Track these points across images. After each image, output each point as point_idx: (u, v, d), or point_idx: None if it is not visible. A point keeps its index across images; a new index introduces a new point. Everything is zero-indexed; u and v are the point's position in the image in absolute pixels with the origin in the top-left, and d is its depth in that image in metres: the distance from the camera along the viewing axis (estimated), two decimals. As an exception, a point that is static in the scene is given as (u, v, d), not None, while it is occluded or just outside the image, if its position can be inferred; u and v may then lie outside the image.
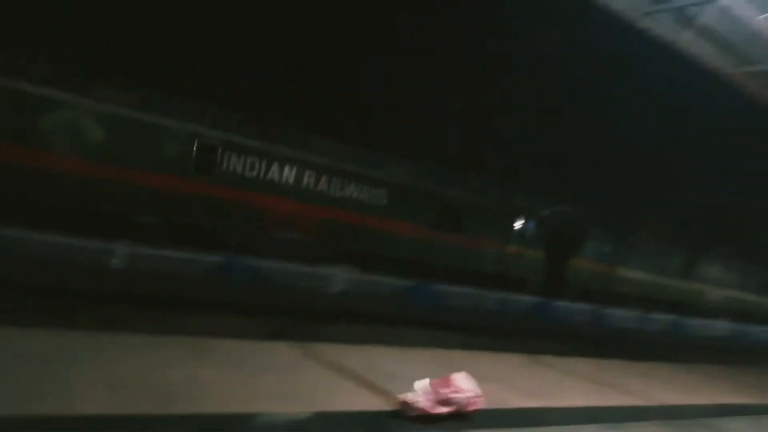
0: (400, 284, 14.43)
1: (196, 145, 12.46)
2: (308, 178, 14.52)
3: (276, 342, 4.64)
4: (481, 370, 5.07)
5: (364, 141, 16.34)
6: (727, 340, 20.64)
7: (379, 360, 4.61)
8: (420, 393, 3.37)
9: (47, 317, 6.59)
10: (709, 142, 20.95)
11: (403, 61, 18.35)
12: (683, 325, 20.32)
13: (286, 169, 14.08)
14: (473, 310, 14.83)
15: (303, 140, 14.73)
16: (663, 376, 6.65)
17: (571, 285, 19.25)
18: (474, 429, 3.21)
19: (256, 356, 3.98)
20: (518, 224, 18.68)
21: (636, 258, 21.46)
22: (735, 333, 22.04)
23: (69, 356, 3.06)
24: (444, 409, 3.29)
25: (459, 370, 3.65)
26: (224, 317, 8.70)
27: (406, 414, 3.22)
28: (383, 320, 10.40)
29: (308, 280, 12.97)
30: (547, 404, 4.10)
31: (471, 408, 3.34)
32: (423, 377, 3.52)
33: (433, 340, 8.96)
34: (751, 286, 27.96)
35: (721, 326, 21.50)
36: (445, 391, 3.34)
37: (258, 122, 13.85)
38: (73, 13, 12.47)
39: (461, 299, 15.17)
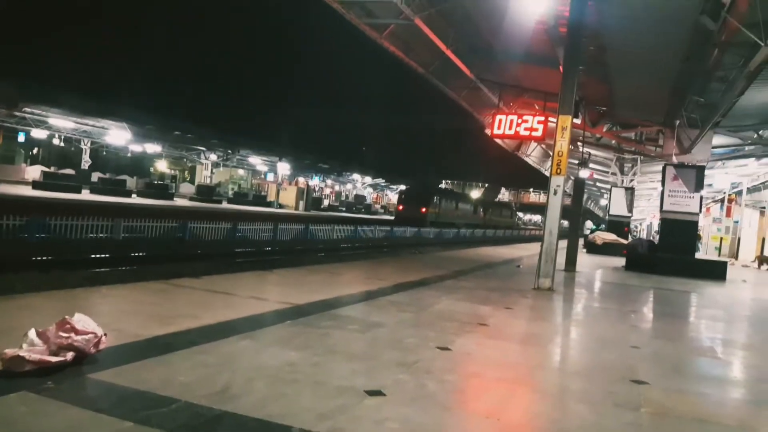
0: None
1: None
2: None
3: None
4: (111, 304, 4.72)
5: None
6: (347, 240, 23.74)
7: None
8: (32, 344, 2.92)
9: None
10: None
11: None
12: (311, 232, 22.32)
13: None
14: (102, 242, 13.22)
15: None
16: (293, 280, 7.34)
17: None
18: (99, 371, 2.93)
19: None
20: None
21: None
22: (352, 234, 25.47)
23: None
24: (64, 356, 2.93)
25: (81, 309, 3.29)
26: None
27: (16, 370, 2.76)
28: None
29: None
30: (183, 327, 4.04)
31: (95, 349, 3.05)
32: (35, 326, 3.06)
33: (50, 281, 7.82)
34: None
35: (340, 230, 24.47)
36: (63, 336, 2.96)
37: None
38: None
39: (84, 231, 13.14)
